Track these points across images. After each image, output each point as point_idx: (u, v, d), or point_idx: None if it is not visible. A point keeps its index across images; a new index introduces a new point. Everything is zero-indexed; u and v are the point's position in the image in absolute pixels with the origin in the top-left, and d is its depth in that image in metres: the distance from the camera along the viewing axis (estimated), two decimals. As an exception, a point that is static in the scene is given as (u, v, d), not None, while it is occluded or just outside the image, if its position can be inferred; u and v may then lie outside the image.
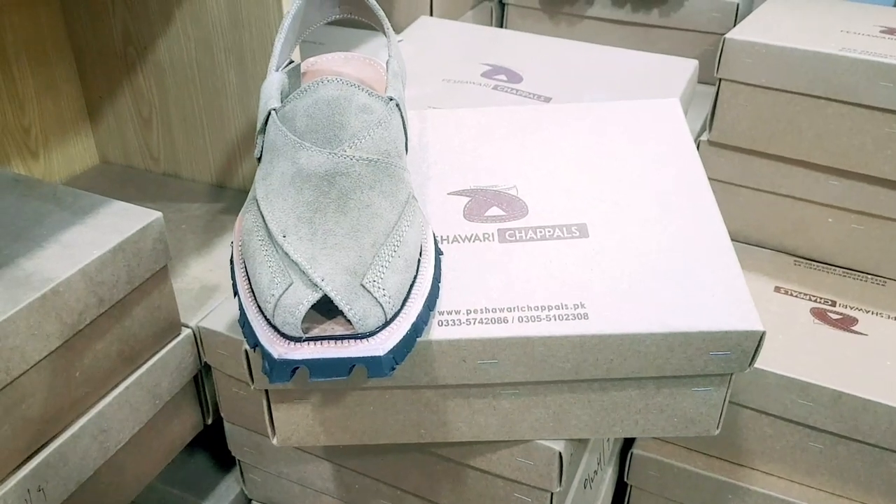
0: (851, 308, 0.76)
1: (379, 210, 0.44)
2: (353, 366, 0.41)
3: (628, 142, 0.59)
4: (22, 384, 0.50)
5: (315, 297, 0.41)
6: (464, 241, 0.51)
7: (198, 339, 0.63)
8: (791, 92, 0.76)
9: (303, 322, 0.41)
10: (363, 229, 0.43)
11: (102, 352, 0.56)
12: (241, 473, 0.72)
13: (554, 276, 0.49)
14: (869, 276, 0.81)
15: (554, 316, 0.47)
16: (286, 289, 0.42)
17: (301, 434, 0.52)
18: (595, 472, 0.68)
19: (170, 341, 0.62)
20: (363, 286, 0.41)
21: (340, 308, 0.41)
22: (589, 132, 0.60)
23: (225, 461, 0.76)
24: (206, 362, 0.64)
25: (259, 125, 0.48)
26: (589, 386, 0.50)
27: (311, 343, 0.41)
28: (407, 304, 0.44)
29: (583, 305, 0.47)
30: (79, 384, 0.54)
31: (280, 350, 0.41)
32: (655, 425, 0.52)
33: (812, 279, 0.80)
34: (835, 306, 0.76)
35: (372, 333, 0.41)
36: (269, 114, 0.48)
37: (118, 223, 0.55)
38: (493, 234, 0.52)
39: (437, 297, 0.47)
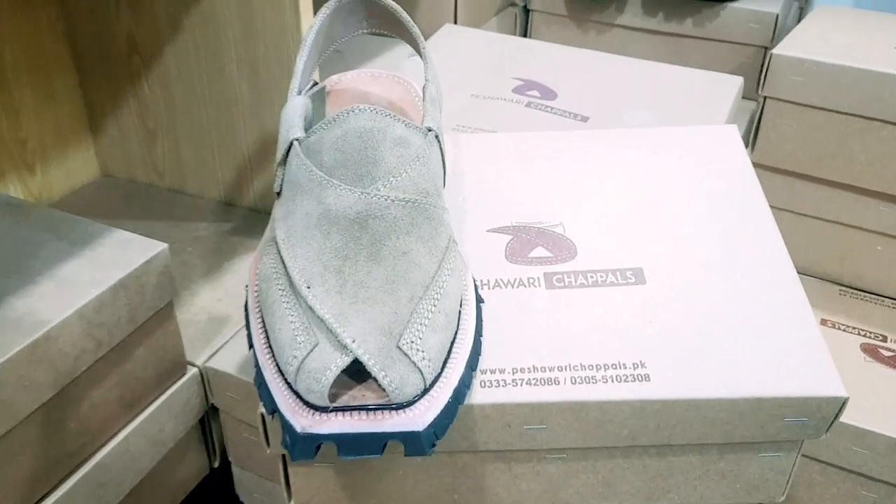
0: (905, 344, 0.71)
1: (417, 258, 0.39)
2: (387, 441, 0.36)
3: (685, 173, 0.53)
4: (10, 441, 0.45)
5: (345, 361, 0.36)
6: (506, 286, 0.46)
7: (205, 379, 0.58)
8: (842, 112, 0.71)
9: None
10: (399, 281, 0.38)
11: (100, 398, 0.50)
12: (250, 519, 0.67)
13: (609, 329, 0.43)
14: (921, 309, 0.76)
15: (611, 377, 0.41)
16: (311, 350, 0.36)
17: (321, 499, 0.47)
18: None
19: (174, 382, 0.57)
20: (400, 348, 0.36)
21: (374, 375, 0.35)
22: (641, 162, 0.54)
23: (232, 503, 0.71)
24: (213, 403, 0.59)
25: (279, 156, 0.43)
26: (645, 451, 0.45)
27: (340, 414, 0.36)
28: (447, 365, 0.38)
29: (643, 365, 0.42)
30: (74, 436, 0.49)
31: (304, 422, 0.36)
32: (715, 492, 0.47)
33: (859, 311, 0.75)
34: (886, 342, 0.71)
35: (409, 403, 0.36)
36: (292, 144, 0.42)
37: (119, 256, 0.50)
38: (538, 278, 0.46)
39: (480, 355, 0.41)
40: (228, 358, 0.57)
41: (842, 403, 0.41)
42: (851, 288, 0.79)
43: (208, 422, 0.61)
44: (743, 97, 0.94)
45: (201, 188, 0.78)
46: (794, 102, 0.72)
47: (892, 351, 0.70)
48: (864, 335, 0.72)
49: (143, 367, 0.53)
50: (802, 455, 0.64)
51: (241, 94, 0.69)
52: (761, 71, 0.91)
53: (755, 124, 0.75)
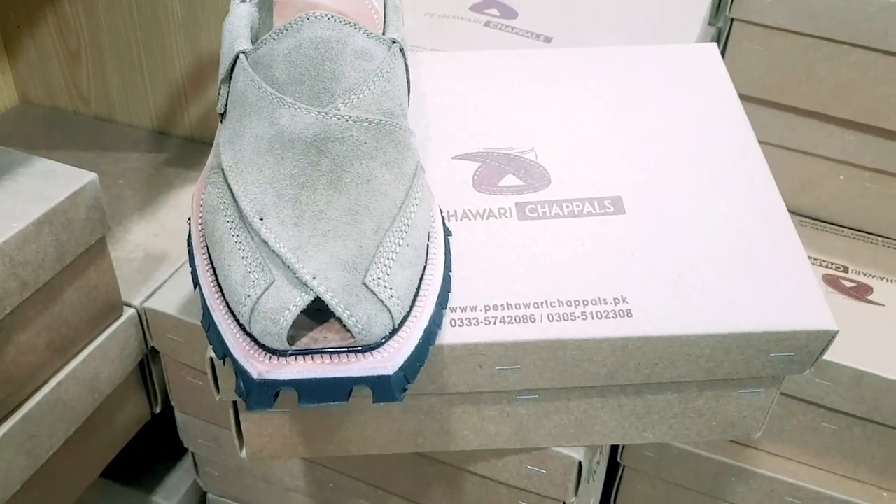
0: (865, 275, 0.70)
1: (382, 185, 0.35)
2: (353, 387, 0.33)
3: (664, 96, 0.49)
4: (-76, 394, 0.40)
5: (305, 300, 0.32)
6: (475, 217, 0.42)
7: (143, 320, 0.54)
8: (812, 36, 0.68)
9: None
10: (363, 211, 0.34)
11: (27, 345, 0.46)
12: (196, 465, 0.63)
13: (588, 262, 0.40)
14: (881, 239, 0.75)
15: (591, 313, 0.38)
16: (266, 288, 0.32)
17: (276, 446, 0.43)
18: (597, 462, 0.61)
19: (109, 325, 0.52)
20: (366, 285, 0.32)
21: (338, 314, 0.32)
22: (616, 83, 0.50)
23: (175, 448, 0.67)
24: (152, 346, 0.55)
25: (223, 71, 0.38)
26: (621, 390, 0.42)
27: (300, 358, 0.32)
28: (416, 304, 0.35)
29: (625, 300, 0.39)
30: (-1, 385, 0.45)
31: (260, 368, 0.32)
32: (691, 430, 0.45)
33: (820, 241, 0.74)
34: (847, 272, 0.70)
35: (377, 345, 0.33)
36: (238, 58, 0.38)
37: (43, 187, 0.45)
38: (510, 208, 0.43)
39: (450, 292, 0.38)
40: (168, 297, 0.53)
41: (830, 337, 0.39)
42: (812, 218, 0.78)
43: (148, 366, 0.57)
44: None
45: (131, 115, 0.72)
46: (762, 25, 0.70)
47: (854, 282, 0.69)
48: (826, 266, 0.71)
49: (75, 308, 0.49)
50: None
51: (172, 10, 0.64)
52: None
53: (721, 48, 0.72)
